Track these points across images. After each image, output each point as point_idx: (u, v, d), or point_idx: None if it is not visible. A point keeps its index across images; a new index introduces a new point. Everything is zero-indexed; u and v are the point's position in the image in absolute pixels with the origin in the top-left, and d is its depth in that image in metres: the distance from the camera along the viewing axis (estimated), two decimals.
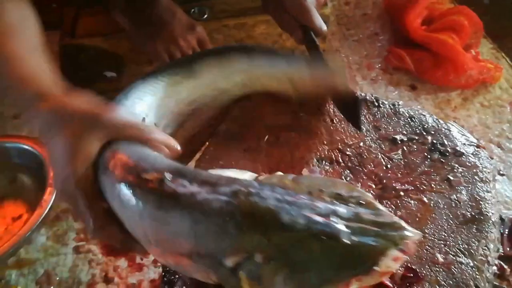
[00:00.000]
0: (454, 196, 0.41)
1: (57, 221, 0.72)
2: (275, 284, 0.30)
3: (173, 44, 0.75)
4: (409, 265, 0.37)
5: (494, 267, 0.37)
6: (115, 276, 0.65)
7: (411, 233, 0.30)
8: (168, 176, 0.33)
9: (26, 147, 0.73)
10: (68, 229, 0.71)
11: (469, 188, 0.41)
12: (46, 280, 0.65)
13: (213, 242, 0.31)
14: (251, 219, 0.30)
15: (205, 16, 0.81)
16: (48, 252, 0.68)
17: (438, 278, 0.36)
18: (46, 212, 0.64)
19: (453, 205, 0.40)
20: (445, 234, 0.38)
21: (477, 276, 0.36)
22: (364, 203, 0.32)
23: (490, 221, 0.39)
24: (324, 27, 0.61)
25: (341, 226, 0.30)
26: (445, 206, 0.40)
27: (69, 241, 0.70)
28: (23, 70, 0.41)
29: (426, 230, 0.39)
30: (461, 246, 0.37)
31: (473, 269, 0.36)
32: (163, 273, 0.38)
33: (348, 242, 0.29)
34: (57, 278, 0.65)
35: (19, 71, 0.41)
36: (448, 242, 0.38)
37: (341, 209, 0.30)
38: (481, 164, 0.43)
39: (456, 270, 0.36)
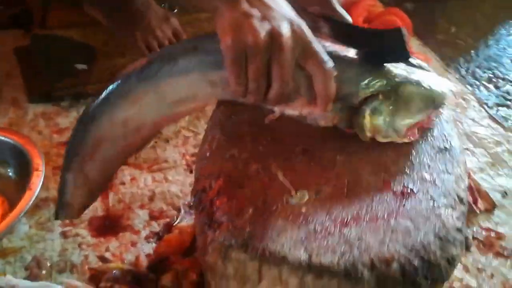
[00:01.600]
0: (429, 134, 0.51)
1: (37, 210, 0.71)
2: (389, 115, 0.46)
3: (150, 34, 0.79)
4: (405, 184, 0.45)
5: (466, 182, 0.47)
6: (109, 256, 0.66)
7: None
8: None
9: (2, 138, 0.71)
10: (51, 216, 0.70)
11: (438, 128, 0.52)
12: (36, 265, 0.64)
13: (351, 84, 0.46)
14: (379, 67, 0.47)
15: (175, 10, 0.86)
16: (33, 239, 0.67)
17: (429, 191, 0.45)
18: (37, 193, 0.63)
19: (429, 140, 0.50)
20: (427, 160, 0.48)
21: (457, 188, 0.45)
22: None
23: (458, 150, 0.49)
24: (348, 16, 0.56)
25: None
26: (423, 141, 0.50)
27: (55, 227, 0.69)
28: None
29: (412, 160, 0.48)
30: (440, 167, 0.47)
31: (453, 182, 0.46)
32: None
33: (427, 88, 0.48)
34: (48, 263, 0.64)
35: None
36: (430, 165, 0.47)
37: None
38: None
39: (440, 184, 0.45)
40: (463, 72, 1.04)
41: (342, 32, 0.50)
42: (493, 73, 1.04)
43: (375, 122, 0.47)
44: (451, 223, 0.42)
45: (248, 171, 0.45)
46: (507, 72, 1.04)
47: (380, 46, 0.48)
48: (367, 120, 0.46)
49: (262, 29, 0.40)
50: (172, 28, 0.81)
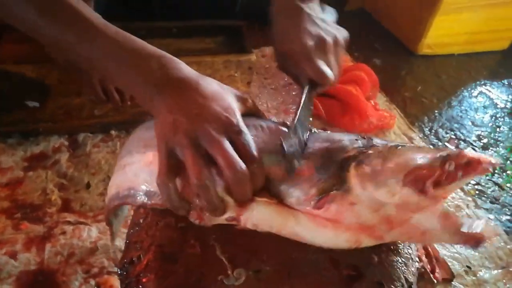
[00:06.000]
0: None
1: None
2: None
3: None
4: (352, 265, 0.42)
5: (416, 263, 0.44)
6: None
7: None
8: None
9: None
10: None
11: None
12: None
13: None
14: None
15: None
16: None
17: (376, 274, 0.42)
18: None
19: None
20: None
21: (406, 271, 0.42)
22: None
23: None
24: (330, 75, 0.55)
25: None
26: None
27: None
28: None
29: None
30: (390, 246, 0.44)
31: (402, 265, 0.43)
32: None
33: None
34: None
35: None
36: (378, 246, 0.44)
37: None
38: None
39: (388, 266, 0.42)
40: (426, 131, 1.05)
41: None
42: (455, 134, 1.05)
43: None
44: None
45: (184, 243, 0.42)
46: (468, 134, 1.05)
47: None
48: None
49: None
50: None
